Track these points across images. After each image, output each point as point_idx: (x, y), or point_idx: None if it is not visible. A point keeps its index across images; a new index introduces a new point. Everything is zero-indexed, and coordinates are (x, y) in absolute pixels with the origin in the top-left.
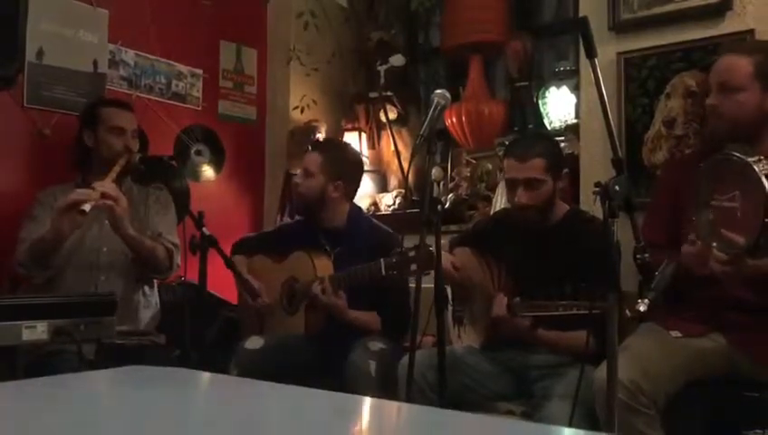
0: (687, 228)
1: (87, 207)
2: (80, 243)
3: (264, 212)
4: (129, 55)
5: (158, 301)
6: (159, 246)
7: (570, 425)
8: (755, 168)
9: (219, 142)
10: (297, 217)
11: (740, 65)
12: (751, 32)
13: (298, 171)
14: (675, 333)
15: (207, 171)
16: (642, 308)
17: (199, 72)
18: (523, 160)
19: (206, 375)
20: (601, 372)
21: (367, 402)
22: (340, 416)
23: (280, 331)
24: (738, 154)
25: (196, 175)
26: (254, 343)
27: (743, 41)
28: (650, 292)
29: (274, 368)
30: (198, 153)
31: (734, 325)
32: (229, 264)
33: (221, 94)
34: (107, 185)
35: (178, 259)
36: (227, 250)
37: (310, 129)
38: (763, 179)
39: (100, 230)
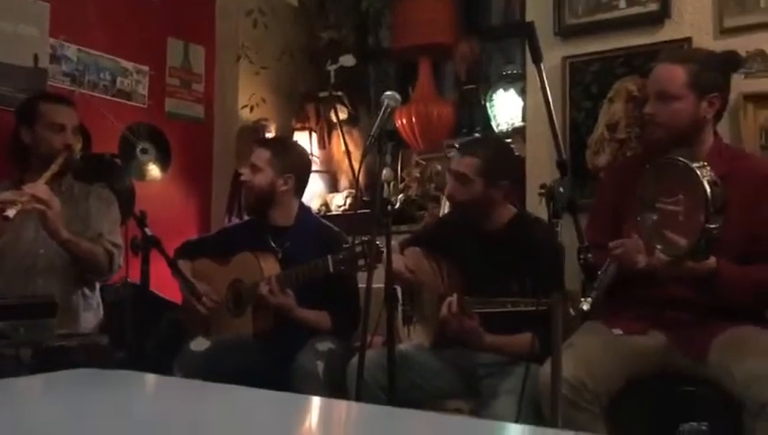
0: (629, 229)
1: (11, 212)
2: (14, 246)
3: (212, 212)
4: (71, 50)
5: (100, 302)
6: (99, 248)
7: (516, 422)
8: (699, 173)
9: (165, 141)
10: (245, 218)
11: (675, 74)
12: (688, 39)
13: (245, 170)
14: (617, 331)
15: (153, 170)
16: (585, 307)
17: (145, 68)
18: (461, 155)
19: (152, 377)
20: (546, 369)
21: (315, 402)
22: (288, 416)
23: (227, 333)
24: (684, 159)
25: (141, 174)
26: (199, 344)
27: (681, 48)
28: (593, 291)
29: (220, 370)
30: (144, 151)
31: (673, 323)
32: (172, 265)
33: (168, 92)
34: (38, 187)
35: (120, 260)
36: (173, 251)
37: (259, 128)
38: (706, 185)
39: (37, 232)
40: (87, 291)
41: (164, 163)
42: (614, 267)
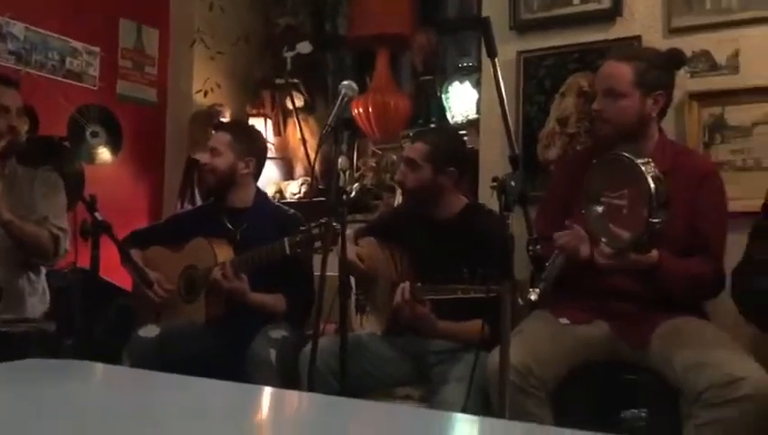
0: (578, 222)
1: None
2: None
3: (164, 197)
4: (17, 28)
5: (46, 288)
6: (44, 231)
7: (464, 407)
8: (643, 169)
9: (117, 124)
10: (198, 204)
11: (622, 72)
12: (638, 38)
13: (202, 155)
14: (563, 320)
15: (103, 153)
16: (533, 297)
17: (96, 49)
18: (413, 142)
19: (100, 367)
20: (495, 356)
21: (266, 392)
22: (240, 407)
23: (179, 320)
24: (629, 155)
25: (91, 157)
26: (148, 331)
27: (629, 46)
28: (541, 282)
29: (171, 357)
30: (94, 134)
31: (616, 313)
32: (122, 251)
33: (120, 74)
34: None
35: (66, 244)
36: (123, 236)
37: (213, 113)
38: (650, 180)
39: None
40: (32, 275)
41: (115, 147)
42: (562, 259)
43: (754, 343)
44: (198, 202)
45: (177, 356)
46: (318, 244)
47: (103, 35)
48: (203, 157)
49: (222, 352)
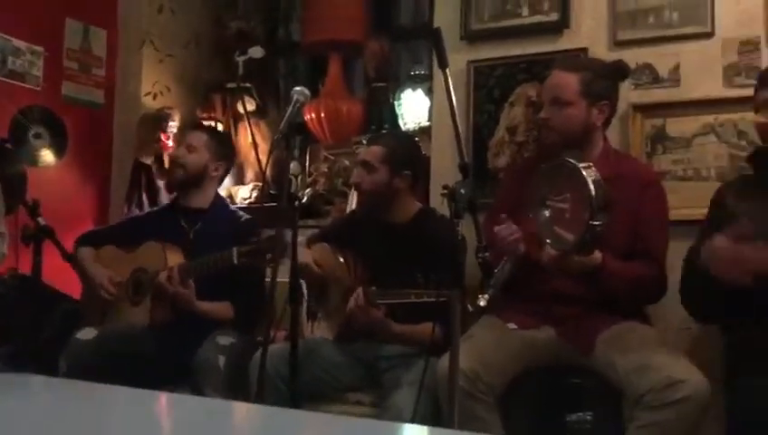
0: (526, 227)
1: None
2: None
3: (111, 201)
4: None
5: None
6: None
7: (414, 412)
8: (584, 172)
9: (61, 126)
10: (146, 209)
11: (568, 82)
12: (584, 50)
13: (150, 161)
14: (511, 325)
15: (47, 156)
16: (482, 303)
17: (40, 49)
18: (368, 146)
19: (47, 381)
20: (444, 361)
21: (216, 404)
22: (184, 421)
23: (123, 322)
24: (571, 160)
25: (33, 159)
26: (86, 333)
27: (577, 57)
28: (490, 288)
29: (109, 360)
30: (37, 136)
31: (561, 318)
32: (67, 256)
33: (65, 75)
34: None
35: (4, 249)
36: (69, 241)
37: (162, 116)
38: (590, 183)
39: None
40: None
41: (59, 149)
42: (509, 265)
43: (693, 346)
44: (146, 207)
45: (117, 360)
46: (269, 256)
47: (48, 35)
48: (177, 150)
49: (164, 356)
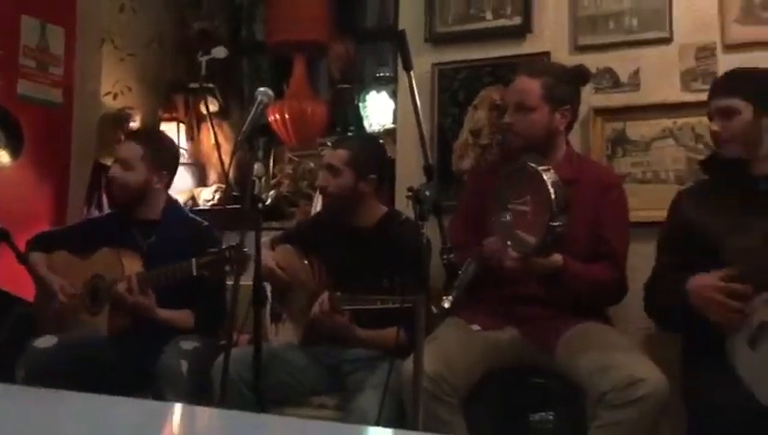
0: (490, 230)
1: None
2: None
3: (69, 203)
4: None
5: None
6: None
7: (379, 415)
8: (544, 176)
9: (17, 125)
10: (108, 211)
11: (532, 88)
12: (547, 54)
13: (111, 162)
14: (475, 327)
15: (2, 156)
16: (446, 305)
17: None
18: (333, 149)
19: (6, 388)
20: (409, 363)
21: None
22: (145, 425)
23: (81, 331)
24: (532, 163)
25: None
26: (45, 341)
27: (539, 61)
28: (454, 290)
29: (68, 368)
30: None
31: (524, 319)
32: (22, 259)
33: (21, 73)
34: None
35: None
36: (24, 243)
37: (122, 116)
38: (549, 186)
39: None
40: None
41: (15, 149)
42: (473, 267)
43: (651, 345)
44: (106, 208)
45: (76, 368)
46: (228, 268)
47: (3, 32)
48: (113, 169)
49: (125, 364)
